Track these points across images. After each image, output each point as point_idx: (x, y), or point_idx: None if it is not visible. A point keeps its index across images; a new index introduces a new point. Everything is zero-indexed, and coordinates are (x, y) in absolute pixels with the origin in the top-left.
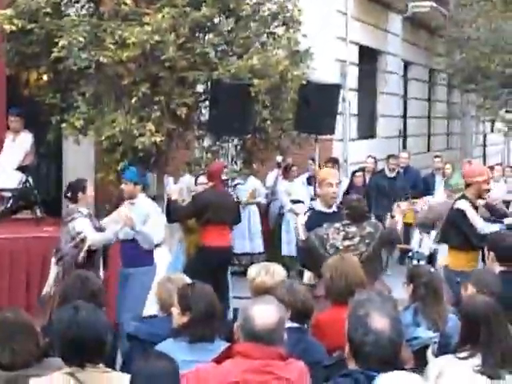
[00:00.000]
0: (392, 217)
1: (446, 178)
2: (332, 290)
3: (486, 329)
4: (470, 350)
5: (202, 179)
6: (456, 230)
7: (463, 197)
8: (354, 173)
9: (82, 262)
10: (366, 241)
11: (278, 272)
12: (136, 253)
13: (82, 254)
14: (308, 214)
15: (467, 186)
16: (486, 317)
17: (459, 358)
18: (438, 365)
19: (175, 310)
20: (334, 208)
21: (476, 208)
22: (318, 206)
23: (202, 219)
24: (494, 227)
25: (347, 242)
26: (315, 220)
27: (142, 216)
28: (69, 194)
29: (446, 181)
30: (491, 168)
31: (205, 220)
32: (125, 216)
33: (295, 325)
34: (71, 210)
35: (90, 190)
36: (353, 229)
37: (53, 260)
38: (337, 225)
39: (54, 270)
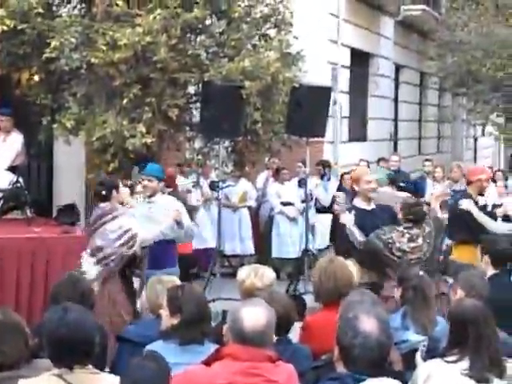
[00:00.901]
0: (427, 204)
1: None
2: (321, 292)
3: (474, 332)
4: (458, 353)
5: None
6: (461, 226)
7: (466, 195)
8: (342, 175)
9: (132, 261)
10: (427, 240)
11: (267, 275)
12: (164, 254)
13: (132, 252)
14: (353, 212)
15: (469, 183)
16: (474, 320)
17: (447, 362)
18: (426, 368)
19: (164, 312)
20: (373, 205)
21: (476, 203)
22: (358, 203)
23: None
24: (506, 226)
25: (412, 244)
26: (358, 218)
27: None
28: (104, 192)
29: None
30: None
31: None
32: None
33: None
34: (111, 209)
35: (120, 188)
36: (415, 230)
37: (90, 259)
38: (399, 228)
39: (91, 269)
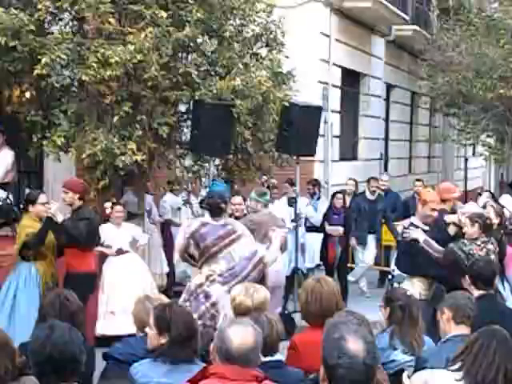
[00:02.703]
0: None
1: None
2: (307, 312)
3: (476, 351)
4: (460, 364)
5: (43, 198)
6: None
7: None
8: (334, 195)
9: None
10: (494, 256)
11: (258, 293)
12: None
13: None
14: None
15: (443, 201)
16: (484, 340)
17: (451, 371)
18: (421, 376)
19: (150, 331)
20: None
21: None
22: (417, 222)
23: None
24: None
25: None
26: None
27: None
28: (223, 205)
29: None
30: (479, 194)
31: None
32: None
33: (265, 359)
34: (233, 229)
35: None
36: (490, 246)
37: (221, 288)
38: (478, 242)
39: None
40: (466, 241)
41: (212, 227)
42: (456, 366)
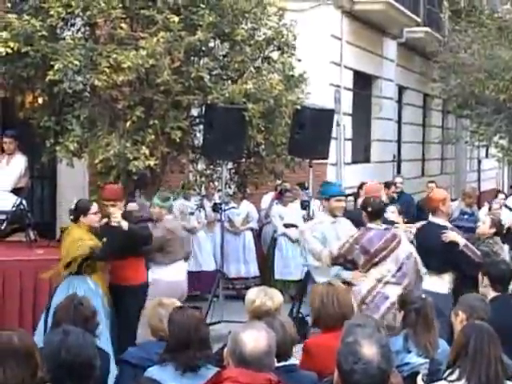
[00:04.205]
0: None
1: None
2: (323, 316)
3: (473, 351)
4: (458, 372)
5: (95, 208)
6: None
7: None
8: (346, 197)
9: None
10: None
11: (276, 295)
12: None
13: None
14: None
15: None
16: (475, 338)
17: (450, 381)
18: None
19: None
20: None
21: None
22: (438, 221)
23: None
24: None
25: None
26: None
27: None
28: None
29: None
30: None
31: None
32: None
33: (278, 364)
34: (395, 234)
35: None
36: (505, 245)
37: (400, 289)
38: (497, 240)
39: None
40: (491, 241)
41: (377, 231)
42: (455, 376)
